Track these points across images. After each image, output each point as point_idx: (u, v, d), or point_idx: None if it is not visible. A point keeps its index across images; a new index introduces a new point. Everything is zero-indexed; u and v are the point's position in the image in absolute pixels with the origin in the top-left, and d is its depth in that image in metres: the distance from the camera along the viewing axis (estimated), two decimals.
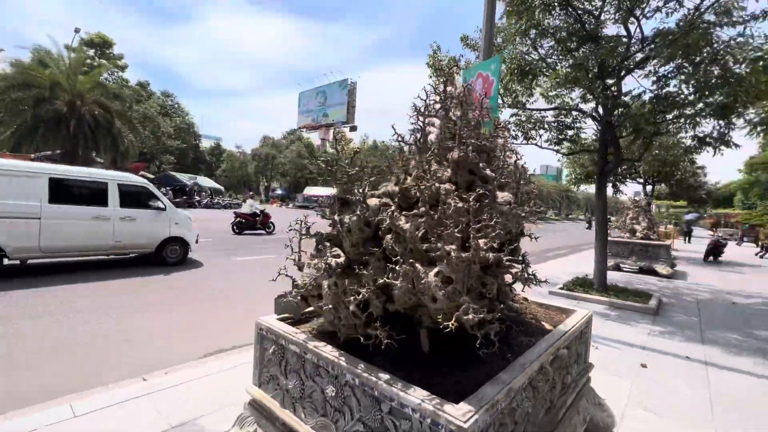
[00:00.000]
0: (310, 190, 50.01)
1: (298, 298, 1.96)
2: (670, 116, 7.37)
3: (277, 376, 1.98)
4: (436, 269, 1.44)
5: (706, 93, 6.80)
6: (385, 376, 1.50)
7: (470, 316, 1.33)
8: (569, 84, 6.91)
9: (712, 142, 7.03)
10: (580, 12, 7.64)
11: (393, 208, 1.60)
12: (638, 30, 7.10)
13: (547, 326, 2.29)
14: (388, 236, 1.61)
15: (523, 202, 1.92)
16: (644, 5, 7.34)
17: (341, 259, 1.73)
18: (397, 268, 1.47)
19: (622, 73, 7.39)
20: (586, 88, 6.84)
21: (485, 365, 1.69)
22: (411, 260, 1.49)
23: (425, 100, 2.18)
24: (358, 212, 1.67)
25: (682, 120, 7.10)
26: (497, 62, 5.73)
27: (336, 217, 1.75)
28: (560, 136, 8.49)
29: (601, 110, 7.85)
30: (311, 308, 2.36)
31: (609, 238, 9.20)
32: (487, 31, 6.17)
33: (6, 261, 6.10)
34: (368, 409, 1.52)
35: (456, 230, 1.46)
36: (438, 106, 2.39)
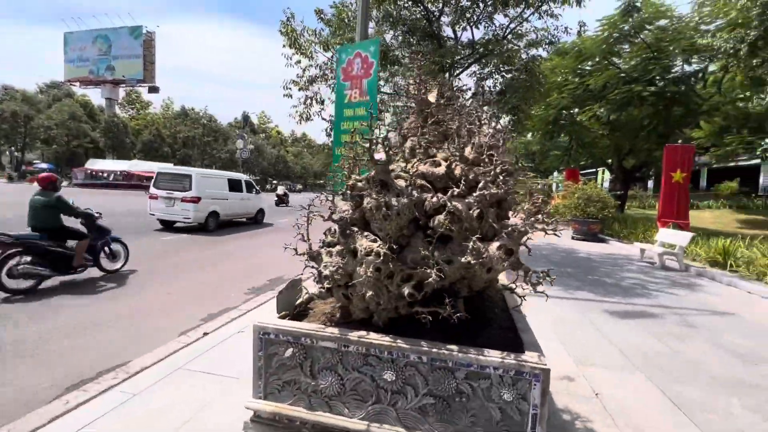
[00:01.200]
0: (96, 164, 38.98)
1: (323, 290, 1.78)
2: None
3: (296, 380, 1.77)
4: (497, 243, 1.62)
5: (507, 95, 8.98)
6: (454, 347, 1.61)
7: (533, 281, 1.59)
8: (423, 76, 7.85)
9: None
10: (426, 8, 8.66)
11: (449, 192, 1.66)
12: (471, 35, 8.67)
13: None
14: (440, 217, 1.67)
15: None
16: (470, 15, 8.93)
17: (379, 244, 1.67)
18: (471, 245, 1.56)
19: (456, 71, 8.90)
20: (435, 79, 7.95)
21: (491, 325, 1.99)
22: (473, 237, 1.62)
23: (417, 84, 2.22)
24: (410, 195, 1.65)
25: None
26: (376, 45, 5.96)
27: (382, 200, 1.66)
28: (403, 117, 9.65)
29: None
30: (302, 299, 2.16)
31: None
32: (363, 11, 6.28)
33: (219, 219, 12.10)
34: (439, 381, 1.60)
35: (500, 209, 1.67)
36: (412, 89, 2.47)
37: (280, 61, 9.73)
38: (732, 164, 25.47)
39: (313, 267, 1.82)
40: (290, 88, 9.13)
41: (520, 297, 1.77)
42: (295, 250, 1.89)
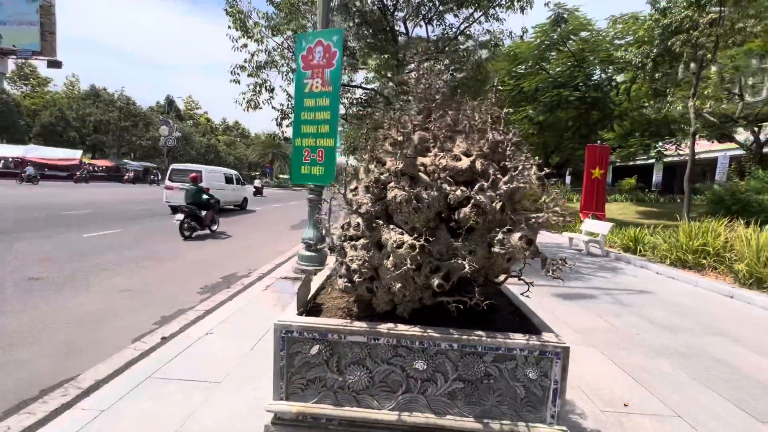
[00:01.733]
0: None
1: (349, 284, 1.75)
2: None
3: (321, 377, 1.73)
4: (518, 234, 1.73)
5: (459, 91, 9.38)
6: (482, 333, 1.70)
7: (552, 268, 1.73)
8: (384, 70, 7.88)
9: None
10: (382, 1, 8.67)
11: (477, 186, 1.72)
12: (426, 33, 8.86)
13: None
14: (465, 209, 1.74)
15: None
16: (424, 13, 9.13)
17: (407, 237, 1.69)
18: (499, 236, 1.65)
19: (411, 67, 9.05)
20: (394, 74, 8.01)
21: (500, 311, 2.13)
22: (496, 228, 1.71)
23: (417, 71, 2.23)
24: (439, 187, 1.69)
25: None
26: (340, 35, 5.85)
27: (413, 192, 1.67)
28: (364, 113, 9.60)
29: (394, 96, 9.36)
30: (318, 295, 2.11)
31: None
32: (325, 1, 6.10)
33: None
34: (469, 366, 1.68)
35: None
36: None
37: (212, 44, 9.10)
38: (631, 163, 29.49)
39: (336, 261, 1.78)
40: (238, 74, 8.57)
41: (528, 283, 1.92)
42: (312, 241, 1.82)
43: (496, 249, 1.67)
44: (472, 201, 1.72)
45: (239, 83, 8.70)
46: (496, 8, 8.96)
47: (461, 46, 9.62)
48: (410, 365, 1.69)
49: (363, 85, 9.61)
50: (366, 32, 9.23)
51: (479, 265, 1.78)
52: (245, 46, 9.03)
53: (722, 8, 11.03)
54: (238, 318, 4.31)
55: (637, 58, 13.39)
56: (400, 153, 1.74)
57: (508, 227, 1.73)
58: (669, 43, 11.56)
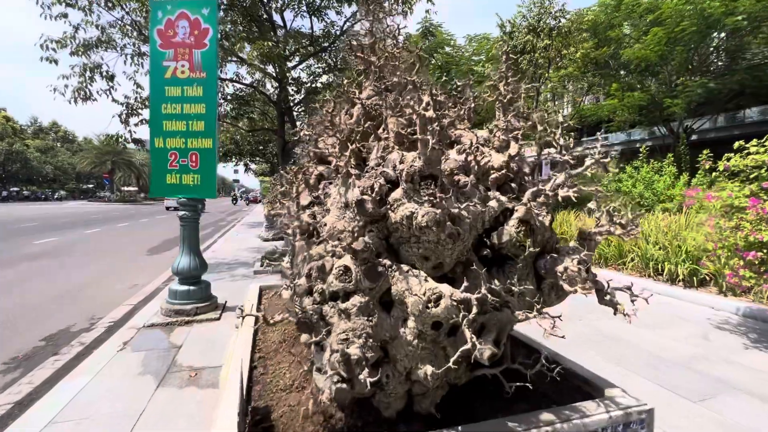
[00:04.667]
0: None
1: (343, 384, 0.93)
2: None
3: None
4: (574, 258, 1.21)
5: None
6: (551, 416, 1.12)
7: (614, 300, 1.27)
8: (265, 59, 6.75)
9: None
10: None
11: (529, 194, 1.12)
12: (310, 28, 8.03)
13: None
14: (510, 229, 1.13)
15: None
16: (301, 4, 8.34)
17: (445, 287, 1.00)
18: (565, 263, 1.09)
19: (294, 62, 8.14)
20: (280, 68, 6.96)
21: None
22: (544, 252, 1.16)
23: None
24: (485, 198, 1.03)
25: None
26: (213, 7, 4.66)
27: (445, 208, 0.97)
28: (240, 112, 8.15)
29: (276, 94, 8.29)
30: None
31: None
32: None
33: None
34: None
35: None
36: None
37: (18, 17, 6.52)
38: None
39: (313, 344, 0.95)
40: (54, 50, 6.24)
41: (553, 317, 1.43)
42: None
43: (560, 283, 1.11)
44: (517, 214, 1.13)
45: (56, 63, 6.34)
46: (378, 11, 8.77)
47: (341, 46, 9.14)
48: None
49: (238, 79, 8.20)
50: (237, 19, 7.92)
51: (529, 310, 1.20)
52: (65, 16, 6.70)
53: (551, 38, 13.37)
54: (75, 414, 2.77)
55: (494, 74, 15.25)
56: (423, 142, 1.03)
57: (555, 249, 1.19)
58: (518, 60, 13.42)
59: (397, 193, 1.04)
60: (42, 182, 56.24)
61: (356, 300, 1.00)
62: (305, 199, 1.32)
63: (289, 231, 1.17)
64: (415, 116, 1.07)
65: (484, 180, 1.18)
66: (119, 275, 7.49)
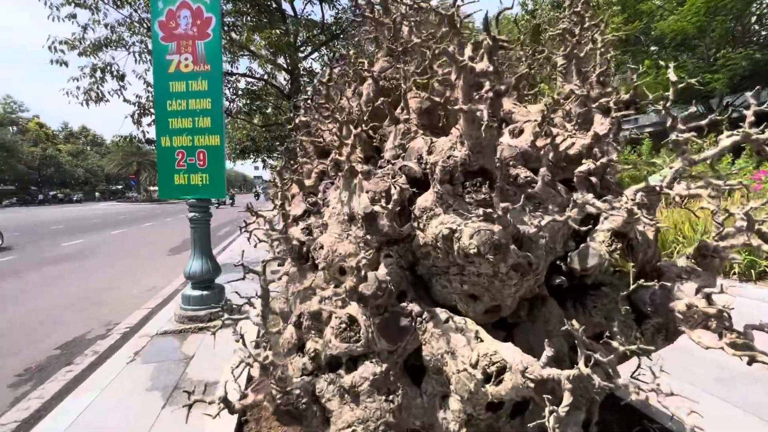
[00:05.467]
0: None
1: None
2: None
3: None
4: (692, 285, 0.82)
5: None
6: None
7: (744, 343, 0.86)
8: (276, 49, 6.44)
9: None
10: None
11: (632, 195, 0.74)
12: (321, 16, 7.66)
13: None
14: (598, 246, 0.75)
15: None
16: None
17: (506, 350, 0.63)
18: (689, 299, 0.70)
19: (308, 51, 7.80)
20: (290, 58, 6.64)
21: None
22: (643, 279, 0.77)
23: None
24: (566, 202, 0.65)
25: None
26: None
27: (510, 223, 0.60)
28: (252, 107, 7.91)
29: (288, 87, 7.99)
30: None
31: None
32: None
33: None
34: None
35: None
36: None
37: (39, 24, 6.42)
38: None
39: None
40: (63, 51, 6.12)
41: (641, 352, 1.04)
42: None
43: (682, 328, 0.72)
44: (607, 224, 0.74)
45: (66, 65, 6.23)
46: None
47: (353, 32, 8.72)
48: None
49: (249, 73, 7.93)
50: (245, 8, 7.63)
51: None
52: (74, 16, 6.59)
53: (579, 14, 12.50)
54: None
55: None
56: (468, 115, 0.65)
57: (657, 268, 0.80)
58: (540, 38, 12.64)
59: (426, 200, 0.68)
60: (74, 185, 58.65)
61: (368, 370, 0.65)
62: (297, 208, 0.98)
63: (269, 255, 0.83)
64: (454, 76, 0.70)
65: (558, 174, 0.81)
66: (139, 277, 7.46)
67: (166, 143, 4.44)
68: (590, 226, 0.79)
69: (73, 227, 17.16)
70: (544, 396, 0.56)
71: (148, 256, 9.91)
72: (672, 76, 0.89)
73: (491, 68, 0.66)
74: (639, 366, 1.13)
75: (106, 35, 6.70)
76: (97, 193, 60.42)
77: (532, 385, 0.58)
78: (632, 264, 0.77)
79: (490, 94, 0.67)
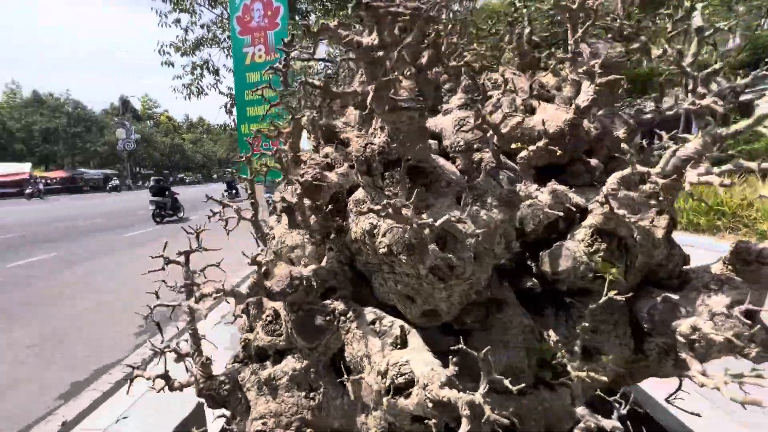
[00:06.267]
0: None
1: None
2: None
3: None
4: (722, 298, 0.63)
5: None
6: None
7: None
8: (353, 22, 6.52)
9: None
10: None
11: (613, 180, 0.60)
12: None
13: None
14: (577, 246, 0.61)
15: None
16: None
17: (410, 361, 0.56)
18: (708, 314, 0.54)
19: None
20: None
21: None
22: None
23: None
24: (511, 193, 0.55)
25: None
26: None
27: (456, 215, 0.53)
28: None
29: None
30: None
31: None
32: None
33: None
34: None
35: None
36: None
37: (159, 32, 7.46)
38: None
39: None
40: (169, 53, 7.05)
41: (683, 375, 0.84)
42: None
43: (683, 356, 0.56)
44: (589, 220, 0.60)
45: (172, 66, 7.18)
46: None
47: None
48: None
49: (325, 58, 8.21)
50: None
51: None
52: (178, 21, 7.50)
53: None
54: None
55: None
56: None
57: (682, 275, 0.62)
58: None
59: (359, 192, 0.63)
60: (194, 169, 68.50)
61: (289, 365, 0.64)
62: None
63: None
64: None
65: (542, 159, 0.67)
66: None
67: (245, 130, 4.88)
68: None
69: (192, 206, 20.11)
70: (434, 420, 0.47)
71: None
72: None
73: (377, 41, 0.56)
74: (680, 388, 0.92)
75: (202, 34, 7.49)
76: (214, 175, 69.80)
77: (430, 405, 0.51)
78: (615, 269, 0.60)
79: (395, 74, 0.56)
